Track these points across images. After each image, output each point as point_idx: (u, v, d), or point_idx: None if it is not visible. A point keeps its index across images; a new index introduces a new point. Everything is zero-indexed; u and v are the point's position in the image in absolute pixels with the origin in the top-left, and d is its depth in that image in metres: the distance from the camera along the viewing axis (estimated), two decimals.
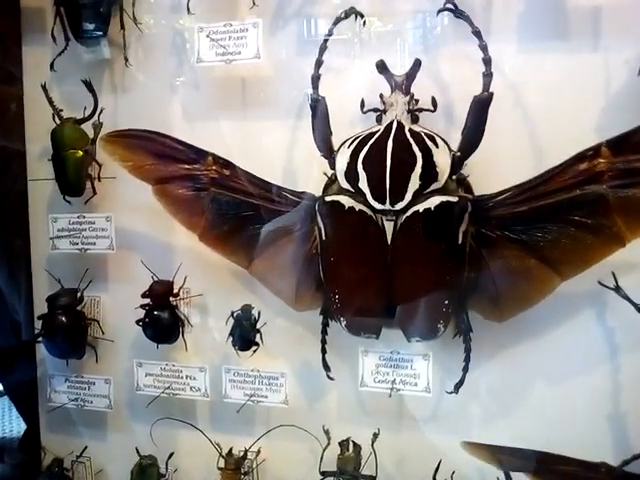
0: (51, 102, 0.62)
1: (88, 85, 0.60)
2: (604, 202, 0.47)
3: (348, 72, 0.57)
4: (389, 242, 0.50)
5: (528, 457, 0.50)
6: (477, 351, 0.55)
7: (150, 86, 0.62)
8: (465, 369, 0.55)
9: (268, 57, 0.57)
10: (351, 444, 0.58)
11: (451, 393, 0.55)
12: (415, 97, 0.52)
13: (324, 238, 0.53)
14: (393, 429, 0.58)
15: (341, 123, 0.54)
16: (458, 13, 0.51)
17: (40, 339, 0.63)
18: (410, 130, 0.50)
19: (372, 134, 0.51)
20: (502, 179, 0.50)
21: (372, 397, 0.58)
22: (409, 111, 0.52)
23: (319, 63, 0.54)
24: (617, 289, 0.52)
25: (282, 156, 0.59)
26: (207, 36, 0.57)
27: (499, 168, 0.52)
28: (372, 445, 0.58)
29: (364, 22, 0.55)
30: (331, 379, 0.58)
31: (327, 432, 0.59)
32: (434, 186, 0.49)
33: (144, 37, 0.62)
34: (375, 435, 0.58)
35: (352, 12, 0.55)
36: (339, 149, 0.52)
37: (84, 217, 0.63)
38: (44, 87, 0.61)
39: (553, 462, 0.49)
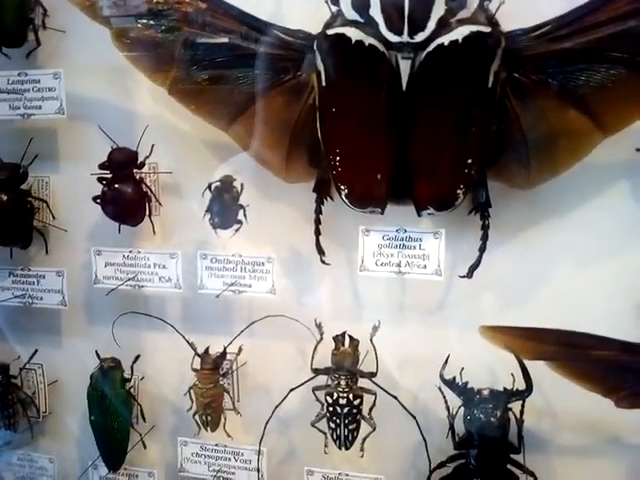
0: None
1: None
2: None
3: None
4: (404, 87, 0.42)
5: (560, 338, 0.43)
6: (495, 231, 0.48)
7: None
8: (482, 249, 0.47)
9: None
10: (347, 338, 0.51)
11: (464, 277, 0.48)
12: None
13: (324, 84, 0.43)
14: (396, 321, 0.51)
15: None
16: None
17: None
18: None
19: None
20: (540, 10, 0.42)
21: (373, 284, 0.50)
22: None
23: None
24: None
25: None
26: None
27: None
28: (371, 340, 0.50)
29: None
30: (326, 264, 0.50)
31: (319, 325, 0.51)
32: (462, 14, 0.40)
33: None
34: (375, 328, 0.51)
35: None
36: None
37: (26, 74, 0.52)
38: None
39: (591, 345, 0.43)
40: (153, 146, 0.51)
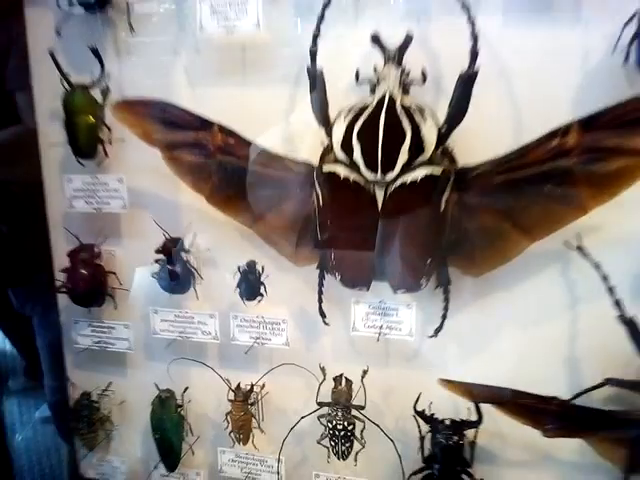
0: (59, 68, 0.65)
1: (95, 52, 0.63)
2: (571, 175, 0.53)
3: (344, 41, 0.60)
4: (379, 208, 0.56)
5: (494, 392, 0.59)
6: (455, 301, 0.62)
7: (154, 52, 0.66)
8: (444, 316, 0.63)
9: (268, 26, 0.60)
10: (344, 379, 0.67)
11: (431, 337, 0.64)
12: (407, 69, 0.57)
13: (321, 203, 0.58)
14: (380, 367, 0.67)
15: (337, 91, 0.59)
16: None
17: (64, 289, 0.70)
18: (401, 104, 0.54)
19: (366, 107, 0.55)
20: (485, 149, 0.55)
21: (362, 340, 0.66)
22: (401, 83, 0.56)
23: (316, 37, 0.57)
24: (579, 249, 0.59)
25: (281, 122, 0.63)
26: (209, 6, 0.60)
27: (482, 139, 0.57)
28: (362, 380, 0.67)
29: None
30: (326, 324, 0.66)
31: (323, 369, 0.68)
32: (421, 158, 0.54)
33: (147, 2, 0.65)
34: (364, 372, 0.67)
35: None
36: (335, 120, 0.57)
37: (97, 178, 0.68)
38: (52, 54, 0.64)
39: (515, 396, 0.58)
40: (195, 235, 0.67)
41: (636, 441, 0.58)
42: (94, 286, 0.69)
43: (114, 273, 0.71)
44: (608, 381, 0.60)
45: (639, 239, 0.58)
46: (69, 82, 0.65)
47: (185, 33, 0.64)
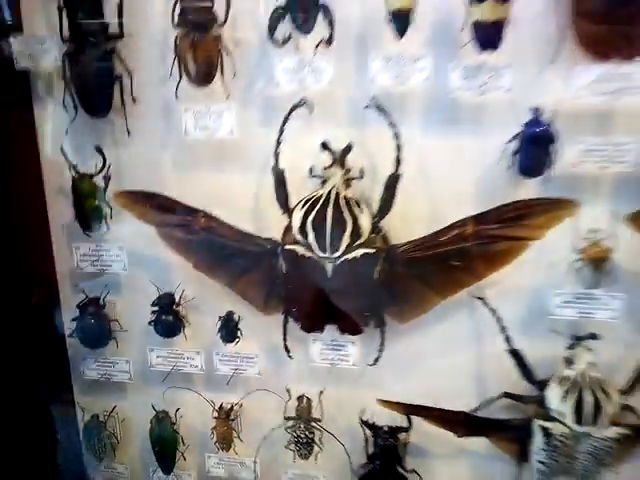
0: (67, 159, 0.79)
1: (99, 150, 0.78)
2: (469, 253, 0.72)
3: (301, 144, 0.76)
4: (329, 275, 0.74)
5: (420, 408, 0.79)
6: (389, 338, 0.81)
7: (147, 148, 0.81)
8: (380, 350, 0.81)
9: (241, 132, 0.76)
10: (305, 398, 0.85)
11: (371, 365, 0.83)
12: (349, 168, 0.74)
13: (284, 270, 0.76)
14: (333, 389, 0.85)
15: (296, 181, 0.76)
16: (380, 110, 0.72)
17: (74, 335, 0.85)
18: (344, 198, 0.72)
19: (318, 199, 0.72)
20: (410, 232, 0.74)
21: (319, 369, 0.84)
22: (344, 180, 0.74)
23: (279, 142, 0.74)
24: (480, 298, 0.78)
25: (252, 204, 0.80)
26: (192, 117, 0.75)
27: (408, 224, 0.75)
28: (319, 399, 0.86)
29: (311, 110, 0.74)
30: (290, 358, 0.84)
31: (288, 391, 0.86)
32: (359, 242, 0.72)
33: (140, 108, 0.79)
34: (321, 392, 0.85)
35: (302, 103, 0.74)
36: (294, 209, 0.74)
37: (101, 246, 0.83)
38: (62, 150, 0.78)
39: (434, 410, 0.78)
40: (183, 291, 0.83)
41: (521, 439, 0.79)
42: (100, 332, 0.85)
43: (116, 320, 0.86)
44: (504, 395, 0.81)
45: (525, 290, 0.78)
46: (76, 171, 0.79)
47: (172, 135, 0.79)
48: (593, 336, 0.75)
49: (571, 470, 0.77)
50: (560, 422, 0.74)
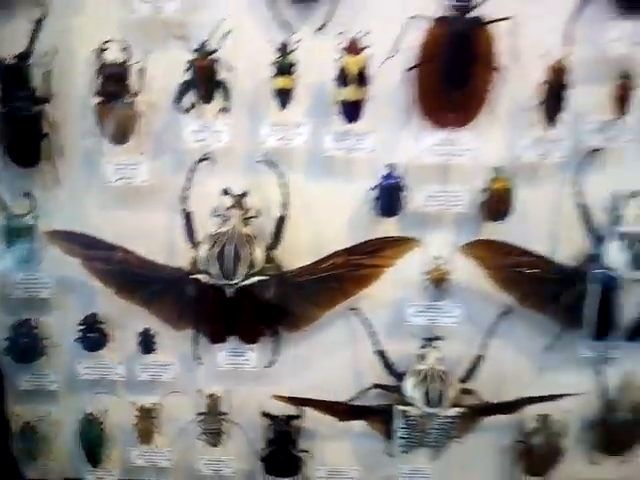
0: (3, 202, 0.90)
1: (28, 195, 0.89)
2: (342, 277, 0.91)
3: (207, 189, 0.91)
4: (229, 297, 0.90)
5: (306, 400, 0.98)
6: (283, 345, 0.99)
7: (72, 193, 0.94)
8: (274, 354, 0.99)
9: (152, 177, 0.91)
10: (213, 396, 1.02)
11: (267, 367, 1.00)
12: (247, 209, 0.90)
13: (192, 295, 0.91)
14: (238, 387, 1.02)
15: (202, 220, 0.91)
16: (270, 164, 0.89)
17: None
18: (242, 234, 0.88)
19: (220, 235, 0.88)
20: (298, 260, 0.91)
21: (225, 372, 1.01)
22: (242, 220, 0.90)
23: (187, 188, 0.89)
24: (354, 309, 0.97)
25: (164, 239, 0.95)
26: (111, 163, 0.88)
27: (296, 253, 0.92)
28: (226, 396, 1.02)
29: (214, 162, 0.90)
30: (201, 364, 1.00)
31: (200, 391, 1.02)
32: (254, 270, 0.89)
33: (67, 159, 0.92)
34: (227, 392, 1.02)
35: (206, 157, 0.89)
36: (200, 244, 0.89)
37: (33, 275, 0.95)
38: None
39: (320, 402, 0.98)
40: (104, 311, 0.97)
41: (387, 420, 0.99)
42: (31, 348, 0.97)
43: (47, 338, 0.99)
44: (375, 386, 1.01)
45: (389, 303, 0.98)
46: (9, 212, 0.90)
47: (96, 182, 0.92)
48: (438, 338, 0.97)
49: (425, 443, 0.99)
50: (414, 406, 0.96)
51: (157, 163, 0.91)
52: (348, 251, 0.90)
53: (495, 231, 0.93)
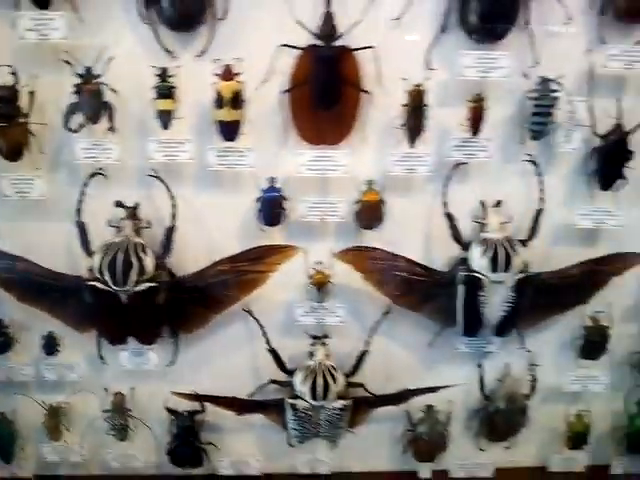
0: None
1: None
2: (229, 282, 0.98)
3: (102, 201, 0.98)
4: (124, 302, 0.97)
5: (205, 396, 1.06)
6: (184, 345, 1.07)
7: None
8: (175, 354, 1.06)
9: (49, 191, 0.97)
10: (119, 394, 1.09)
11: (168, 365, 1.07)
12: (139, 219, 0.97)
13: (90, 300, 0.97)
14: (142, 385, 1.09)
15: (97, 230, 0.97)
16: (158, 178, 0.95)
17: None
18: (134, 244, 0.95)
19: (112, 245, 0.94)
20: (191, 267, 0.99)
21: (128, 371, 1.08)
22: (134, 229, 0.97)
23: (81, 201, 0.95)
24: (248, 311, 1.05)
25: (63, 249, 1.01)
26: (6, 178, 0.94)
27: (188, 261, 1.00)
28: (130, 393, 1.09)
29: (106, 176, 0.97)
30: (104, 363, 1.07)
31: (106, 389, 1.09)
32: (145, 277, 0.95)
33: None
34: (132, 389, 1.09)
35: (99, 172, 0.96)
36: (95, 252, 0.96)
37: None
38: None
39: (216, 397, 1.06)
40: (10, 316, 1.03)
41: (281, 412, 1.07)
42: None
43: None
44: (271, 381, 1.09)
45: (280, 304, 1.06)
46: None
47: None
48: (326, 336, 1.05)
49: (317, 433, 1.08)
50: (302, 399, 1.04)
51: (54, 176, 0.97)
52: (231, 259, 0.97)
53: (373, 239, 1.02)
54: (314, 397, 1.03)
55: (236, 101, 0.89)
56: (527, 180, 1.01)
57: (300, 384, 1.03)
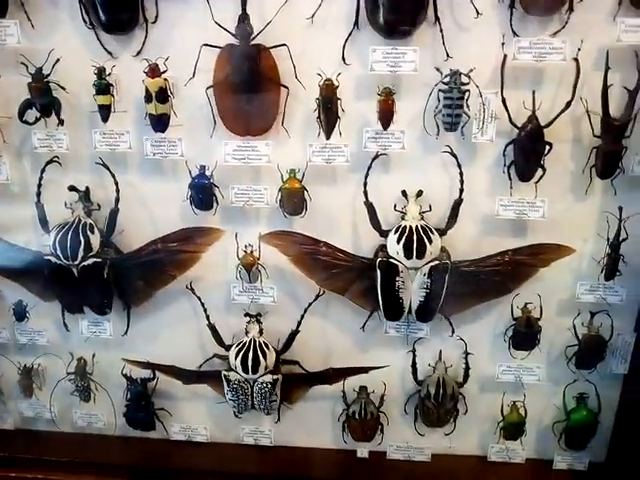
0: None
1: None
2: (162, 261, 1.09)
3: (58, 186, 1.11)
4: (76, 276, 1.09)
5: (154, 365, 1.17)
6: (135, 317, 1.18)
7: None
8: (127, 325, 1.18)
9: (15, 177, 1.12)
10: (82, 360, 1.22)
11: (123, 335, 1.20)
12: (91, 202, 1.10)
13: (48, 274, 1.11)
14: (100, 353, 1.23)
15: (55, 213, 1.11)
16: (104, 166, 1.07)
17: None
18: (83, 223, 1.07)
19: (65, 225, 1.07)
20: (135, 244, 1.10)
21: (90, 338, 1.21)
22: (85, 211, 1.09)
23: (39, 185, 1.09)
24: (190, 289, 1.15)
25: (30, 230, 1.15)
26: None
27: (132, 239, 1.11)
28: (92, 360, 1.22)
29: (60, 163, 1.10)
30: (68, 331, 1.21)
31: (71, 354, 1.23)
32: (91, 254, 1.07)
33: None
34: (93, 355, 1.22)
35: (54, 160, 1.09)
36: (51, 232, 1.09)
37: None
38: None
39: (163, 366, 1.16)
40: None
41: (219, 383, 1.16)
42: None
43: None
44: (215, 355, 1.18)
45: (217, 284, 1.14)
46: None
47: None
48: (259, 314, 1.13)
49: (252, 405, 1.16)
50: (235, 372, 1.12)
51: (18, 164, 1.11)
52: (163, 239, 1.08)
53: (302, 226, 1.08)
54: (245, 370, 1.11)
55: (162, 96, 0.99)
56: (450, 171, 1.04)
57: (233, 358, 1.12)
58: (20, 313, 1.19)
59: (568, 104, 0.95)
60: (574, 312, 1.11)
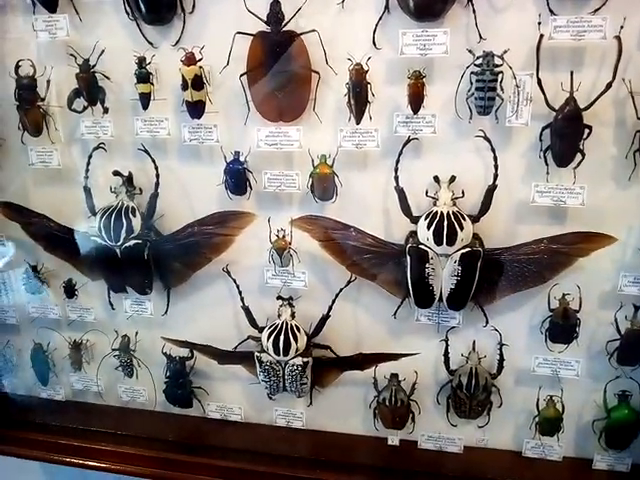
0: None
1: None
2: (198, 244, 1.12)
3: (105, 170, 1.18)
4: (119, 257, 1.15)
5: (192, 344, 1.22)
6: (175, 297, 1.23)
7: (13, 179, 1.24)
8: (167, 305, 1.23)
9: (65, 163, 1.19)
10: (126, 337, 1.28)
11: (163, 315, 1.25)
12: (134, 186, 1.15)
13: (94, 254, 1.18)
14: (144, 331, 1.29)
15: (103, 195, 1.17)
16: (146, 152, 1.12)
17: None
18: (126, 207, 1.13)
19: (110, 208, 1.13)
20: (173, 227, 1.15)
21: (133, 317, 1.27)
22: (128, 195, 1.14)
23: (87, 169, 1.15)
24: (227, 272, 1.18)
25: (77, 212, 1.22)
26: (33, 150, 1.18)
27: (173, 221, 1.16)
28: (135, 338, 1.29)
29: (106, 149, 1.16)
30: (113, 309, 1.27)
31: (116, 332, 1.29)
32: (133, 235, 1.13)
33: None
34: (136, 333, 1.28)
35: (100, 146, 1.15)
36: (97, 214, 1.15)
37: None
38: None
39: (201, 345, 1.21)
40: (43, 264, 1.27)
41: (252, 364, 1.19)
42: None
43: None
44: (249, 337, 1.21)
45: (252, 268, 1.17)
46: None
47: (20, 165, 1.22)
48: (291, 298, 1.15)
49: (284, 387, 1.18)
50: (267, 353, 1.15)
51: (69, 150, 1.19)
52: (199, 222, 1.12)
53: (334, 211, 1.09)
54: (276, 352, 1.14)
55: (197, 83, 1.03)
56: (483, 156, 1.02)
57: (266, 340, 1.15)
58: (70, 291, 1.26)
59: (609, 85, 0.91)
60: (616, 305, 1.06)
